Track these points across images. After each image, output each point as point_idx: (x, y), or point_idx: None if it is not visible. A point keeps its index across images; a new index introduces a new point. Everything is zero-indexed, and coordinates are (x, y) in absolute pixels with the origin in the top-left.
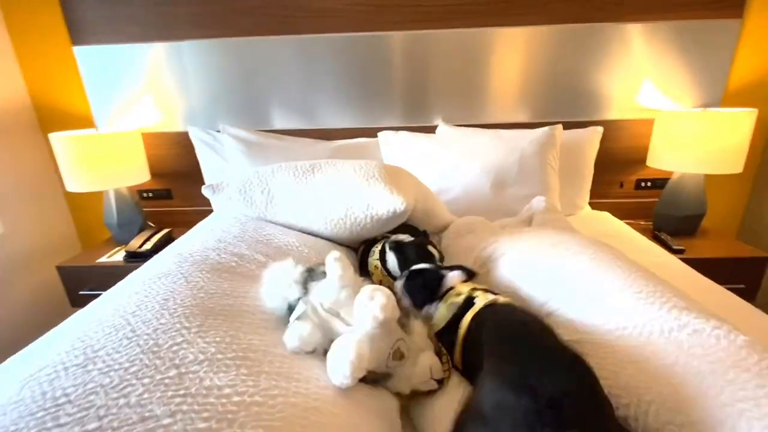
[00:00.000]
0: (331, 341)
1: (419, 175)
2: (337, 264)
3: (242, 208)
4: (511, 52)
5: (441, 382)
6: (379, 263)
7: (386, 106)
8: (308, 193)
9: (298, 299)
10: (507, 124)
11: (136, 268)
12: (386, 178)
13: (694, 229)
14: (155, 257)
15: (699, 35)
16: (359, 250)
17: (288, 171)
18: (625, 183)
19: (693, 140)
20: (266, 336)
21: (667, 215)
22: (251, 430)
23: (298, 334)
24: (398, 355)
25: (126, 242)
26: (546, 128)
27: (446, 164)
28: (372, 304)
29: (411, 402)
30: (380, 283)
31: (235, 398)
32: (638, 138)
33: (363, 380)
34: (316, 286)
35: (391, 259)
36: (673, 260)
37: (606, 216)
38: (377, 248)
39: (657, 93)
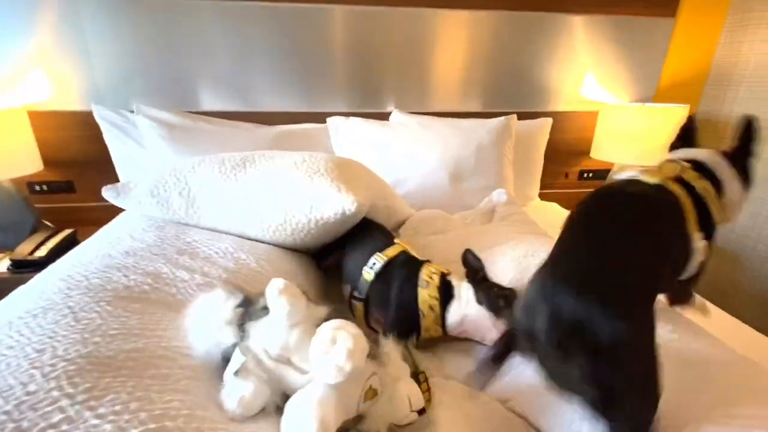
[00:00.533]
0: (284, 395)
1: (372, 166)
2: (282, 299)
3: (156, 213)
4: (463, 38)
5: (423, 412)
6: (436, 304)
7: (333, 89)
8: (239, 193)
9: (235, 345)
10: (460, 112)
11: (27, 280)
12: (334, 173)
13: None
14: (35, 279)
15: (635, 31)
16: (327, 255)
17: (212, 166)
18: (570, 174)
19: (633, 133)
20: (191, 393)
21: None
22: None
23: (238, 397)
24: (372, 395)
25: (11, 248)
26: (502, 118)
27: (402, 154)
28: (335, 351)
29: None
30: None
31: None
32: (583, 130)
33: None
34: (256, 327)
35: (473, 307)
36: None
37: (555, 207)
38: (431, 276)
39: (599, 87)
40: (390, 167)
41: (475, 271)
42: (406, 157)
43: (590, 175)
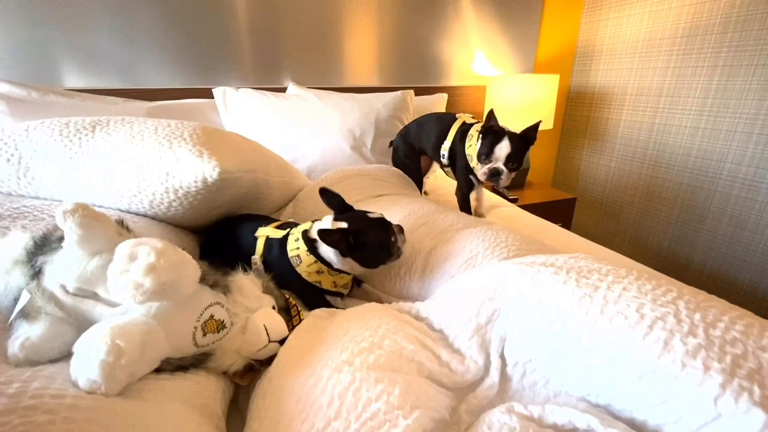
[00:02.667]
0: None
1: (268, 143)
2: (69, 222)
3: None
4: (361, 14)
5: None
6: (323, 267)
7: (228, 64)
8: (85, 160)
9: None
10: (359, 88)
11: None
12: (200, 139)
13: (522, 182)
14: None
15: (512, 10)
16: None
17: (52, 129)
18: None
19: (516, 102)
20: None
21: None
22: None
23: (21, 339)
24: (214, 326)
25: None
26: (399, 92)
27: (300, 127)
28: (134, 267)
29: (254, 378)
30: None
31: None
32: (475, 104)
33: (159, 371)
34: (51, 262)
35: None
36: (515, 208)
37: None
38: (294, 233)
39: (486, 62)
40: (288, 142)
41: (342, 248)
42: (305, 130)
43: None
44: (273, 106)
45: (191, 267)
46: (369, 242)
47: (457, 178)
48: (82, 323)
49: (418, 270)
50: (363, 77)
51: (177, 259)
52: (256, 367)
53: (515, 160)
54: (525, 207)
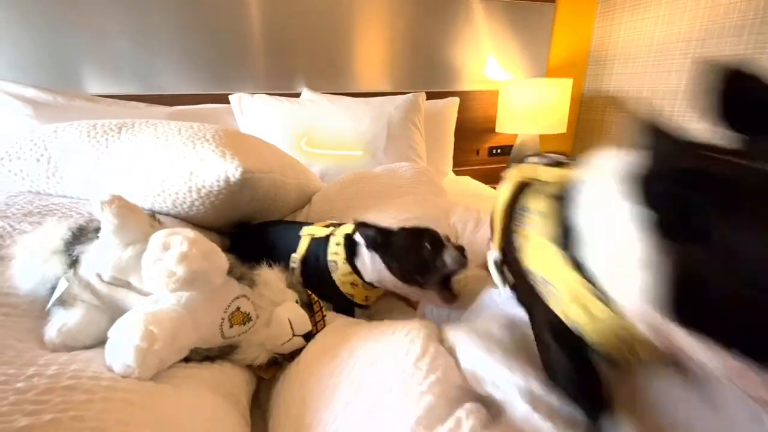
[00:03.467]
0: None
1: (283, 147)
2: (106, 213)
3: (11, 185)
4: (373, 20)
5: (310, 337)
6: (357, 279)
7: (242, 71)
8: (111, 160)
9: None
10: (370, 93)
11: None
12: (222, 140)
13: None
14: None
15: (524, 16)
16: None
17: (80, 131)
18: (480, 150)
19: (528, 106)
20: (5, 327)
21: None
22: None
23: (58, 325)
24: (240, 318)
25: None
26: (410, 95)
27: (314, 131)
28: (167, 256)
29: (277, 372)
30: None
31: None
32: (487, 108)
33: (187, 360)
34: (87, 252)
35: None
36: None
37: (467, 179)
38: (337, 235)
39: (498, 67)
40: (302, 146)
41: (372, 241)
42: (318, 134)
43: (499, 150)
44: (287, 111)
45: (220, 257)
46: (397, 243)
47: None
48: (115, 311)
49: None
50: (375, 82)
51: (208, 249)
52: (279, 361)
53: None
54: None
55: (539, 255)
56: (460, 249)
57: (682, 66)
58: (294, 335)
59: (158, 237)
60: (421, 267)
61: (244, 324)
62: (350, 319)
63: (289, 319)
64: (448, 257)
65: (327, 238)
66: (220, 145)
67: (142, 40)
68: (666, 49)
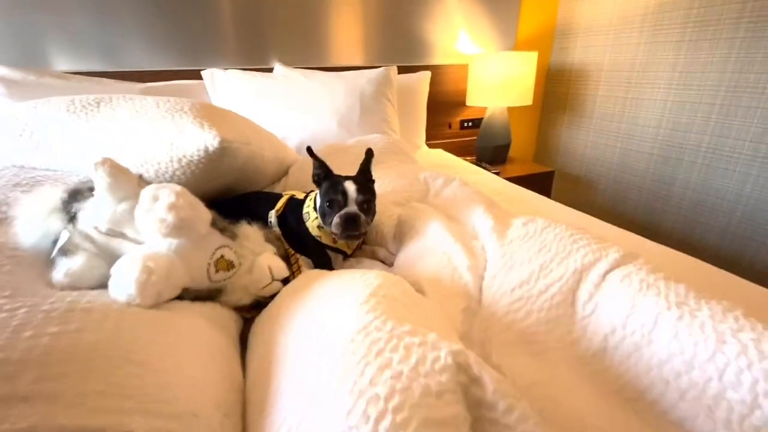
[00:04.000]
0: None
1: (259, 122)
2: (100, 172)
3: None
4: None
5: (288, 282)
6: (311, 205)
7: (214, 45)
8: (92, 133)
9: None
10: (344, 67)
11: None
12: (199, 112)
13: (504, 157)
14: None
15: None
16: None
17: (59, 106)
18: (452, 124)
19: (496, 79)
20: (16, 275)
21: (485, 147)
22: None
23: (64, 270)
24: (224, 265)
25: None
26: (382, 68)
27: (288, 107)
28: (157, 206)
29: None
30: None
31: None
32: (458, 82)
33: (180, 299)
34: (84, 208)
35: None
36: (497, 178)
37: (439, 152)
38: (312, 195)
39: (469, 41)
40: (277, 121)
41: (316, 173)
42: (293, 109)
43: (470, 124)
44: (260, 86)
45: (204, 209)
46: (326, 184)
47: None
48: (113, 258)
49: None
50: (348, 56)
51: (193, 200)
52: (261, 303)
53: (367, 201)
54: (507, 179)
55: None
56: (350, 218)
57: (639, 38)
58: (273, 280)
59: (149, 190)
60: (324, 214)
61: (228, 270)
62: (323, 270)
63: (269, 266)
64: (336, 220)
65: (305, 199)
66: (197, 116)
67: (108, 14)
68: (625, 22)
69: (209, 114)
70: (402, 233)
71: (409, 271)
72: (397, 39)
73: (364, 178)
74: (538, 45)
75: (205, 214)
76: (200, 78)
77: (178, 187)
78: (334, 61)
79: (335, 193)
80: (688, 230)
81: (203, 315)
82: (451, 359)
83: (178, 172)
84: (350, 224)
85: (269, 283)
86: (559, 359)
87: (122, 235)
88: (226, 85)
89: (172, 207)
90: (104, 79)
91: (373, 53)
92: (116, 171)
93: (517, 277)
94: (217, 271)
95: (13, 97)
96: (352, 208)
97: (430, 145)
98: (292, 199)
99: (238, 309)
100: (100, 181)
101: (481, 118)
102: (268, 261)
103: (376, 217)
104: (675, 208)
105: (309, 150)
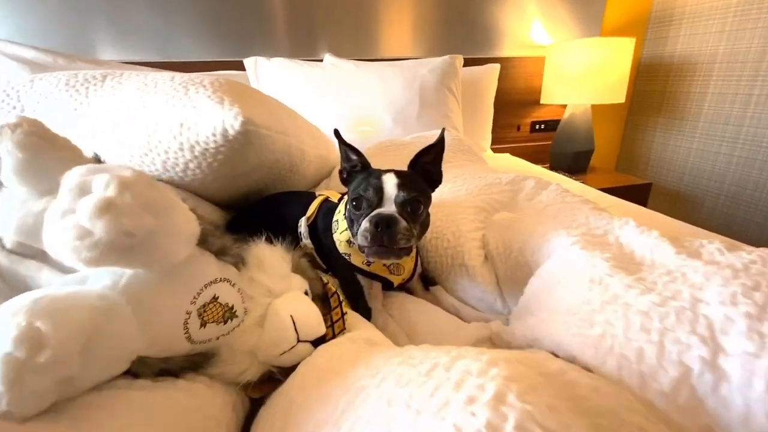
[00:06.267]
0: None
1: (303, 115)
2: (11, 138)
3: None
4: None
5: (322, 341)
6: (342, 210)
7: (262, 36)
8: (90, 112)
9: None
10: (400, 59)
11: None
12: (221, 86)
13: (585, 166)
14: None
15: None
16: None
17: (58, 80)
18: (522, 126)
19: (581, 71)
20: None
21: (561, 153)
22: None
23: None
24: (218, 313)
25: None
26: (447, 57)
27: (336, 99)
28: (82, 205)
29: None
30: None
31: None
32: (531, 77)
33: (135, 375)
34: None
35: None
36: (587, 188)
37: (507, 157)
38: (341, 206)
39: (545, 28)
40: (325, 116)
41: (346, 160)
42: (341, 102)
43: (542, 126)
44: (306, 75)
45: (182, 215)
46: (354, 182)
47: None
48: (17, 291)
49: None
50: (404, 48)
51: (155, 198)
52: (276, 376)
53: (413, 202)
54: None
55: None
56: (383, 221)
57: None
58: (299, 341)
59: (73, 176)
60: (351, 220)
61: (225, 322)
62: (374, 330)
63: (292, 317)
64: (364, 225)
65: (339, 201)
66: (218, 91)
67: (156, 3)
68: (751, 2)
69: (235, 90)
70: (505, 255)
71: (556, 340)
72: (460, 27)
73: (418, 172)
74: (630, 32)
75: (186, 225)
76: (244, 69)
77: (129, 172)
78: (389, 52)
79: (366, 189)
80: None
81: (162, 418)
82: None
83: (191, 165)
84: (383, 233)
85: (293, 346)
86: None
87: (41, 255)
88: (270, 75)
89: (107, 208)
90: (142, 68)
91: (432, 43)
92: (37, 142)
93: None
94: (203, 324)
95: None
96: (389, 208)
97: (494, 150)
98: (325, 201)
99: (239, 386)
100: (9, 158)
101: (556, 120)
102: (293, 308)
103: (449, 228)
104: None
105: (336, 133)
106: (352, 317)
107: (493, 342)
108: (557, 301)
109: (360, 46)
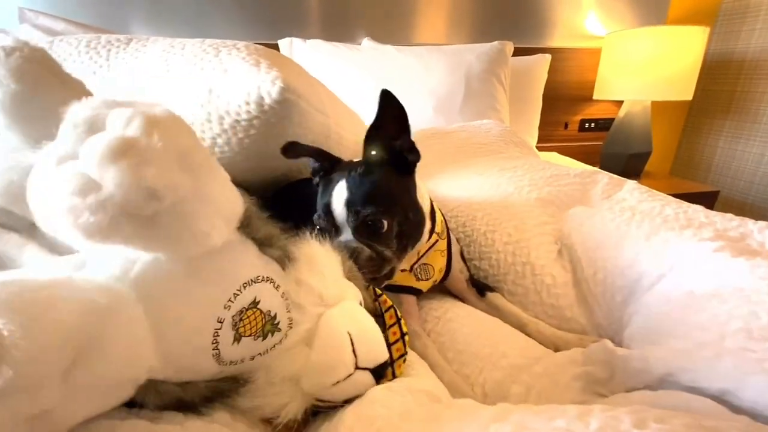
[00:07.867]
0: None
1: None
2: (6, 64)
3: None
4: None
5: (383, 374)
6: None
7: (298, 17)
8: (110, 76)
9: None
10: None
11: None
12: (257, 50)
13: (640, 169)
14: None
15: None
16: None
17: (79, 41)
18: (570, 123)
19: (643, 62)
20: None
21: (615, 154)
22: None
23: None
24: (256, 324)
25: None
26: (495, 42)
27: (375, 85)
28: (89, 146)
29: None
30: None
31: None
32: (584, 71)
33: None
34: None
35: None
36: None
37: (554, 155)
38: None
39: (600, 18)
40: (361, 102)
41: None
42: (378, 88)
43: (593, 125)
44: (344, 59)
45: (225, 184)
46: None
47: None
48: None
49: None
50: (447, 35)
51: (193, 150)
52: (322, 410)
53: (373, 216)
54: None
55: None
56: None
57: None
58: (357, 368)
59: (81, 108)
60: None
61: (266, 336)
62: (433, 376)
63: (350, 335)
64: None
65: None
66: (253, 54)
67: None
68: None
69: (273, 56)
70: (593, 259)
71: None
72: (505, 14)
73: (378, 160)
74: (698, 20)
75: (229, 198)
76: (279, 51)
77: (163, 109)
78: (432, 38)
79: (319, 214)
80: None
81: None
82: None
83: (219, 141)
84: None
85: (350, 374)
86: None
87: (29, 228)
88: (306, 57)
89: (125, 150)
90: None
91: (473, 30)
92: (37, 69)
93: None
94: (238, 338)
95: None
96: (347, 236)
97: (539, 149)
98: None
99: (278, 424)
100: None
101: (608, 119)
102: (351, 323)
103: (510, 221)
104: None
105: (387, 95)
106: (423, 345)
107: (589, 373)
108: (711, 324)
109: (396, 32)
